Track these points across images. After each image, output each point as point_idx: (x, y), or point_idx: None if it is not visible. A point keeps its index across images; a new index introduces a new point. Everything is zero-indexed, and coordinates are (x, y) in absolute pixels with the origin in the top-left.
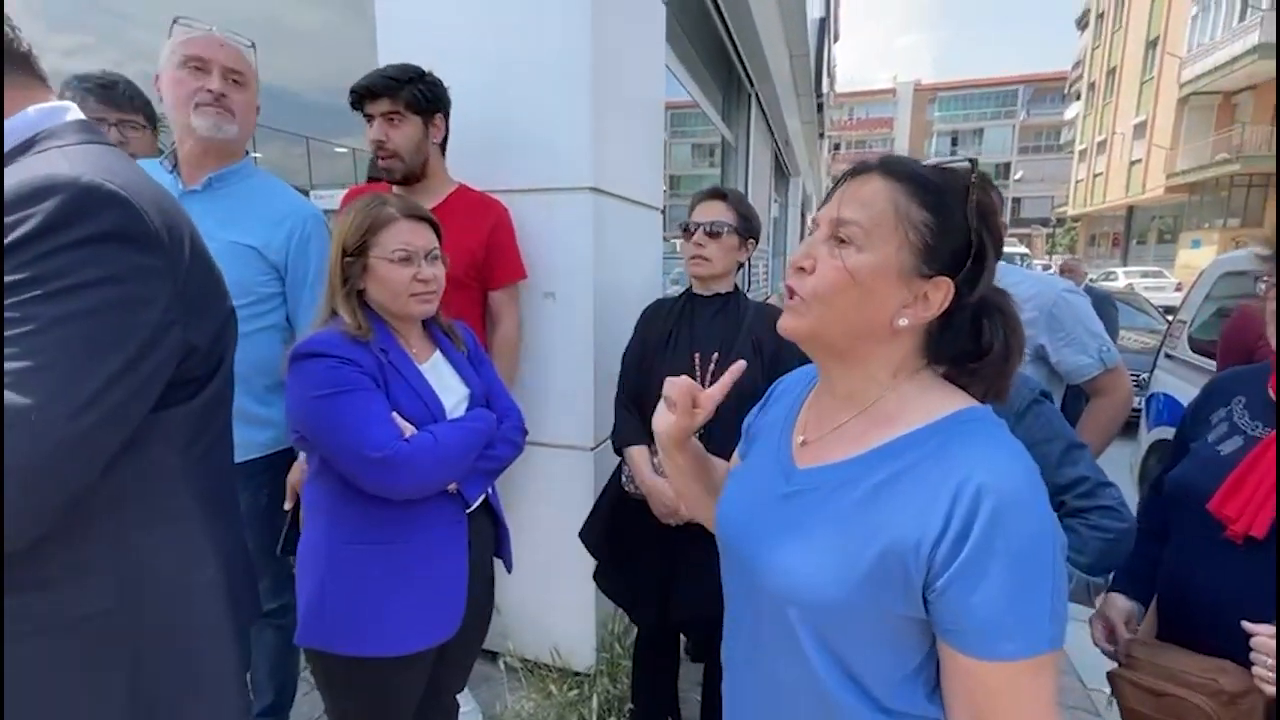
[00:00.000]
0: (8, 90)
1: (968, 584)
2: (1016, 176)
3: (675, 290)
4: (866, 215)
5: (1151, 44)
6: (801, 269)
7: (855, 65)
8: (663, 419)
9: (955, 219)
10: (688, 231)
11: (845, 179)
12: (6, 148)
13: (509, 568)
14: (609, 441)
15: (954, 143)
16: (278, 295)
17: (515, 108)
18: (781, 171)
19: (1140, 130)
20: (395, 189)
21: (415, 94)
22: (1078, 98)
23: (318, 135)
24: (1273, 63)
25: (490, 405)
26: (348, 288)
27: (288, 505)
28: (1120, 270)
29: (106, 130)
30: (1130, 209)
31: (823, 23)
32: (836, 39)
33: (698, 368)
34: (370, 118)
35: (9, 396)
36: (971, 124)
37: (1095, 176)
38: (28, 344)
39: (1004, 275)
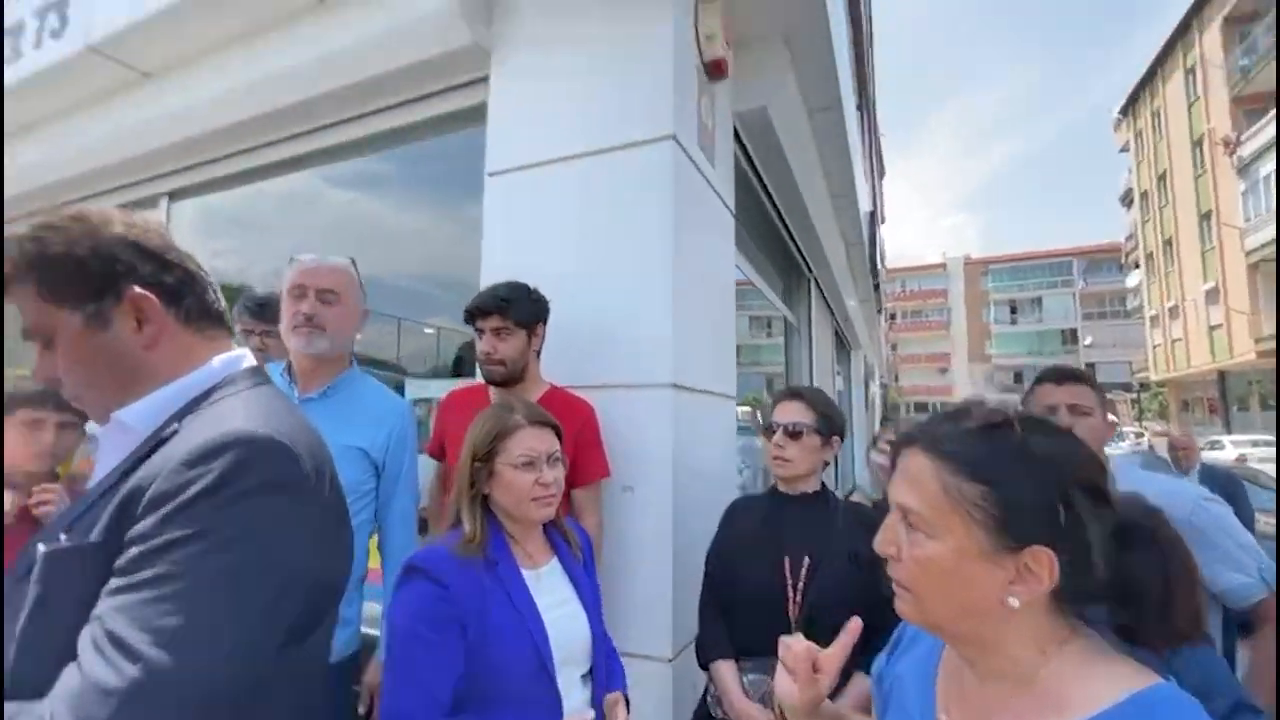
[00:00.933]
0: (201, 343)
1: None
2: (1086, 342)
3: (744, 471)
4: (922, 501)
5: (1205, 217)
6: (890, 556)
7: (904, 242)
8: (786, 690)
9: (1017, 482)
10: (769, 431)
11: (899, 450)
12: (189, 397)
13: None
14: (690, 649)
15: (1013, 310)
16: (373, 490)
17: (602, 310)
18: (843, 345)
19: (1213, 296)
20: (493, 390)
21: (522, 311)
22: (1136, 266)
23: (408, 317)
24: None
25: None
26: (474, 491)
27: (362, 709)
28: (1227, 439)
29: (250, 338)
30: (1221, 374)
31: (872, 215)
32: (884, 222)
33: (788, 575)
34: (480, 330)
35: (157, 655)
36: (1029, 293)
37: (1174, 341)
38: (183, 601)
39: (1121, 476)
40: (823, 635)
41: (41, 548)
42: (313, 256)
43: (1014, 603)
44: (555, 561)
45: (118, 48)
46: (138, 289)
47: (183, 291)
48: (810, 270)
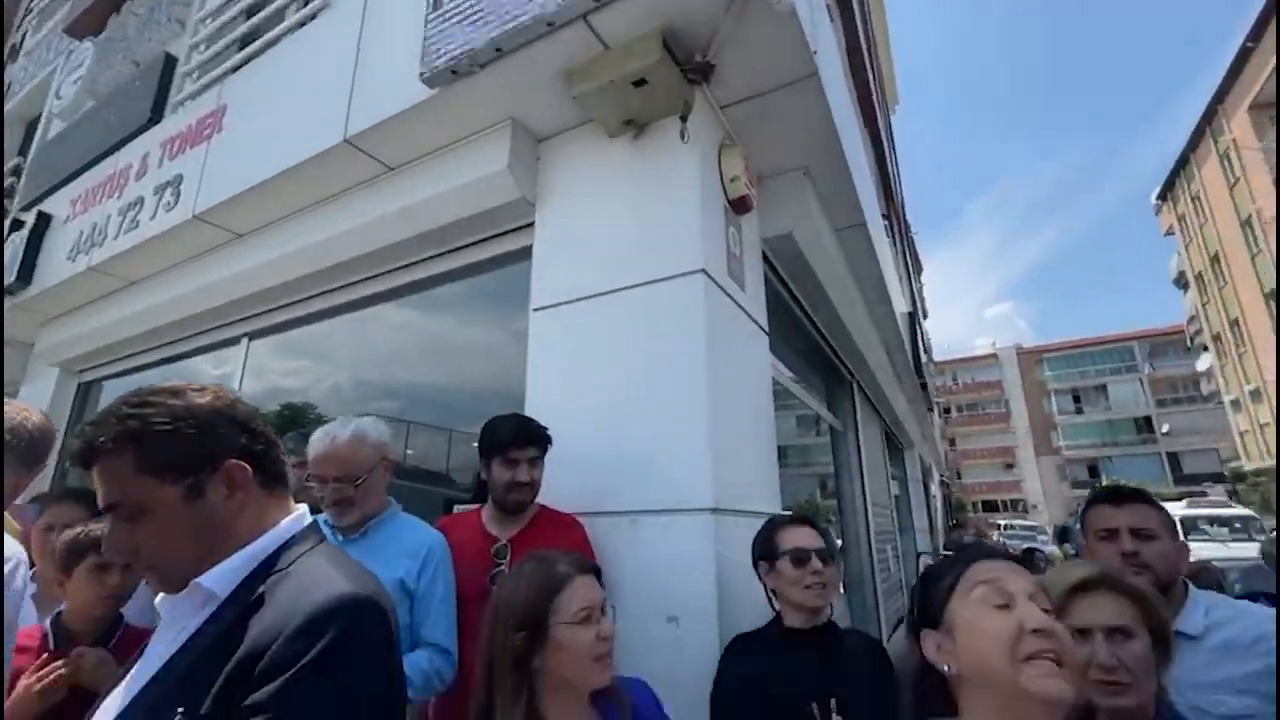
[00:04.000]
0: (273, 504)
1: None
2: (1163, 430)
3: None
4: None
5: (1270, 296)
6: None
7: (949, 335)
8: None
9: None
10: (799, 561)
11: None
12: (263, 558)
13: None
14: None
15: (1076, 399)
16: (406, 625)
17: (641, 437)
18: (895, 447)
19: None
20: (489, 514)
21: (547, 441)
22: (1205, 349)
23: (458, 427)
24: None
25: None
26: (520, 676)
27: None
28: None
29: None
30: None
31: (911, 315)
32: (925, 316)
33: (817, 715)
34: (514, 461)
35: None
36: (1090, 381)
37: (1262, 426)
38: None
39: (1210, 610)
40: None
41: None
42: (324, 436)
43: None
44: None
45: (218, 215)
46: (234, 460)
47: (266, 458)
48: (852, 374)
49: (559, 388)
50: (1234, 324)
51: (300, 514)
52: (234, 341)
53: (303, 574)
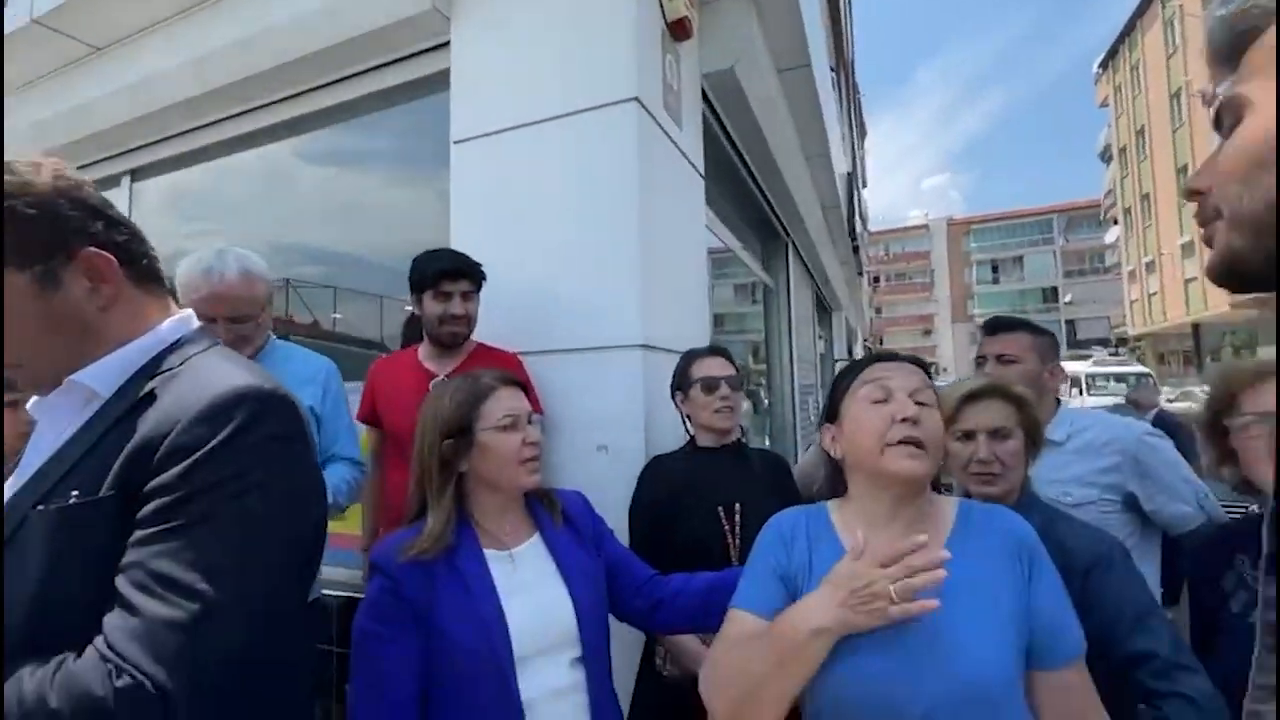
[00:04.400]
0: (150, 303)
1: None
2: (1066, 299)
3: None
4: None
5: (1181, 170)
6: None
7: (886, 205)
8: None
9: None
10: (709, 387)
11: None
12: (148, 358)
13: None
14: None
15: (995, 270)
16: (316, 445)
17: (572, 274)
18: (824, 308)
19: (1189, 249)
20: (425, 351)
21: (481, 275)
22: (1115, 222)
23: (389, 294)
24: None
25: (617, 582)
26: (447, 474)
27: None
28: (1200, 389)
29: None
30: (1196, 326)
31: (850, 176)
32: (865, 185)
33: (724, 521)
34: (447, 294)
35: (211, 589)
36: (1010, 252)
37: (1150, 296)
38: (222, 540)
39: (1074, 420)
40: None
41: (42, 507)
42: (205, 273)
43: None
44: (536, 538)
45: (64, 21)
46: (94, 249)
47: (132, 251)
48: (787, 233)
49: (485, 225)
50: (1145, 198)
51: (186, 316)
52: (114, 181)
53: (197, 371)
